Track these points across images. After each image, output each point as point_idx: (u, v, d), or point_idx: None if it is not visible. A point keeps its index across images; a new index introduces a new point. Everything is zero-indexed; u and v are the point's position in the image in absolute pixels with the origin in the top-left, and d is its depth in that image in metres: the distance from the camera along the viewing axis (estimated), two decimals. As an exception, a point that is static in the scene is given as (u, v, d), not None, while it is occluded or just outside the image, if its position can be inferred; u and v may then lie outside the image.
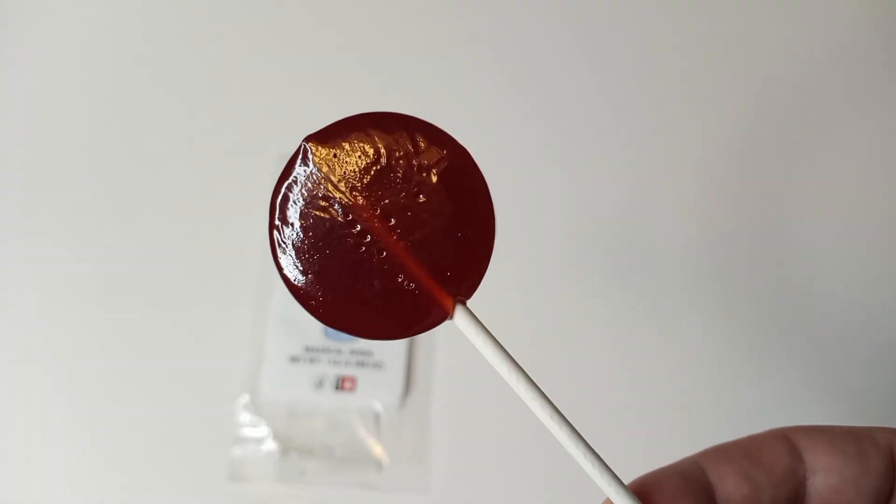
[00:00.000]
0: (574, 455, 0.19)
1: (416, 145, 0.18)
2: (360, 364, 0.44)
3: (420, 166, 0.18)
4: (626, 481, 0.20)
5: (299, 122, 0.49)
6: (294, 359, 0.44)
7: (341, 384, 0.44)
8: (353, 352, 0.44)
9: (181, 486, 0.42)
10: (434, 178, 0.18)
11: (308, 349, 0.44)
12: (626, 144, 0.50)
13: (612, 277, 0.47)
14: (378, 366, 0.44)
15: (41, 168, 0.49)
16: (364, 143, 0.18)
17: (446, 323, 0.19)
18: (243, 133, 0.50)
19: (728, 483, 0.20)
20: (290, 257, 0.18)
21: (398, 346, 0.45)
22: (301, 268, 0.18)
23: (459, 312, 0.18)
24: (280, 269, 0.18)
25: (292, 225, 0.18)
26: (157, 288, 0.46)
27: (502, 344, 0.19)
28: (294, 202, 0.18)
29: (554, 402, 0.20)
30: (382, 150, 0.18)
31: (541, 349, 0.45)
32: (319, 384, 0.44)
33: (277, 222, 0.18)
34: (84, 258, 0.47)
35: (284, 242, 0.18)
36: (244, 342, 0.45)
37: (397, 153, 0.18)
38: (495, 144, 0.49)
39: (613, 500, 0.19)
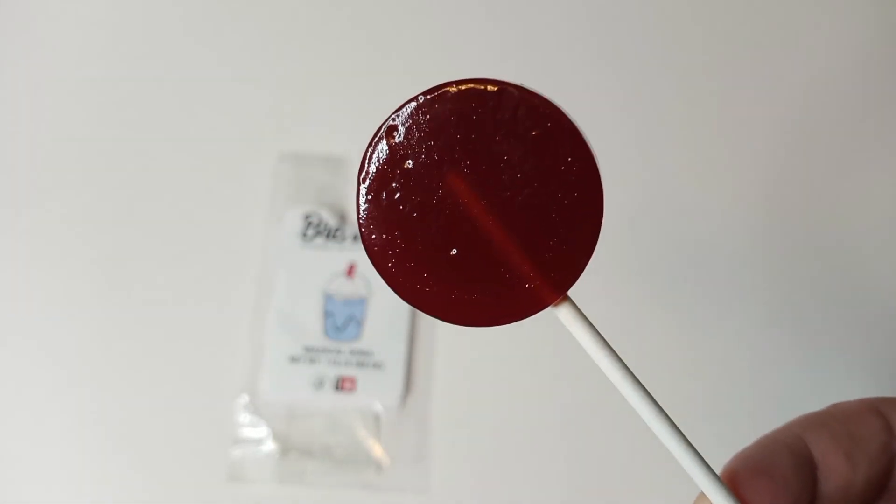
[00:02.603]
0: (673, 451, 0.19)
1: (525, 116, 0.17)
2: (360, 364, 0.45)
3: (526, 139, 0.17)
4: (714, 471, 0.20)
5: (300, 123, 0.51)
6: (294, 359, 0.45)
7: (341, 384, 0.45)
8: (352, 352, 0.46)
9: (181, 486, 0.44)
10: (538, 149, 0.17)
11: (308, 349, 0.46)
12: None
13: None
14: (378, 366, 0.45)
15: (40, 168, 0.50)
16: (467, 110, 0.17)
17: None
18: (244, 133, 0.51)
19: (829, 460, 0.20)
20: (378, 223, 0.17)
21: (398, 346, 0.46)
22: (388, 234, 0.17)
23: (562, 304, 0.18)
24: (367, 230, 0.18)
25: (388, 190, 0.17)
26: (156, 288, 0.47)
27: (604, 338, 0.19)
28: (390, 172, 0.17)
29: (654, 397, 0.19)
30: (488, 119, 0.17)
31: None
32: (319, 384, 0.45)
33: (368, 186, 0.17)
34: (83, 258, 0.48)
35: (377, 206, 0.17)
36: (244, 342, 0.46)
37: (505, 125, 0.17)
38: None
39: (709, 496, 0.19)
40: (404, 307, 0.46)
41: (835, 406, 0.22)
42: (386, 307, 0.46)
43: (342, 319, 0.46)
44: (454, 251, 0.17)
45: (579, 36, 0.53)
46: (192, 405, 0.45)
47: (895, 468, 0.21)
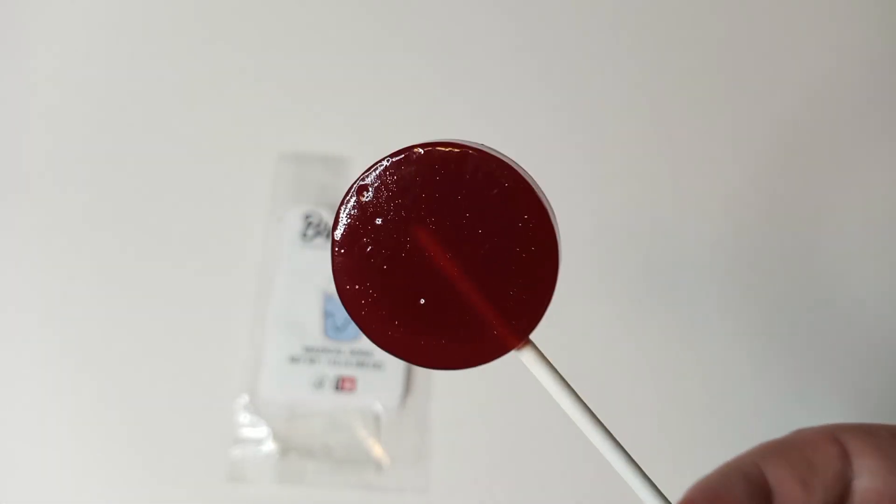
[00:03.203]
0: (632, 484, 0.21)
1: (484, 177, 0.19)
2: (360, 364, 0.47)
3: (487, 197, 0.19)
4: (668, 490, 0.22)
5: (300, 122, 0.53)
6: (294, 359, 0.47)
7: (341, 384, 0.47)
8: (352, 352, 0.48)
9: (180, 486, 0.46)
10: (498, 207, 0.19)
11: (308, 349, 0.48)
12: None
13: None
14: (378, 366, 0.47)
15: (40, 168, 0.53)
16: (432, 171, 0.19)
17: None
18: (244, 133, 0.53)
19: (785, 487, 0.22)
20: (351, 274, 0.20)
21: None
22: (358, 287, 0.20)
23: (525, 348, 0.21)
24: (341, 281, 0.20)
25: (360, 244, 0.20)
26: (156, 288, 0.50)
27: (565, 379, 0.21)
28: (362, 228, 0.20)
29: (614, 435, 0.21)
30: (451, 179, 0.19)
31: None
32: (319, 384, 0.47)
33: (341, 240, 0.20)
34: (83, 258, 0.50)
35: (350, 258, 0.20)
36: (244, 342, 0.48)
37: (466, 185, 0.19)
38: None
39: None
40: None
41: (795, 433, 0.24)
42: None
43: (342, 319, 0.48)
44: (422, 300, 0.19)
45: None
46: (192, 405, 0.48)
47: (850, 494, 0.22)
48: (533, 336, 0.21)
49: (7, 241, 0.51)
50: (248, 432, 0.46)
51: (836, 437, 0.23)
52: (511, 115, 0.53)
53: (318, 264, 0.49)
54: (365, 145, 0.51)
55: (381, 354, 0.48)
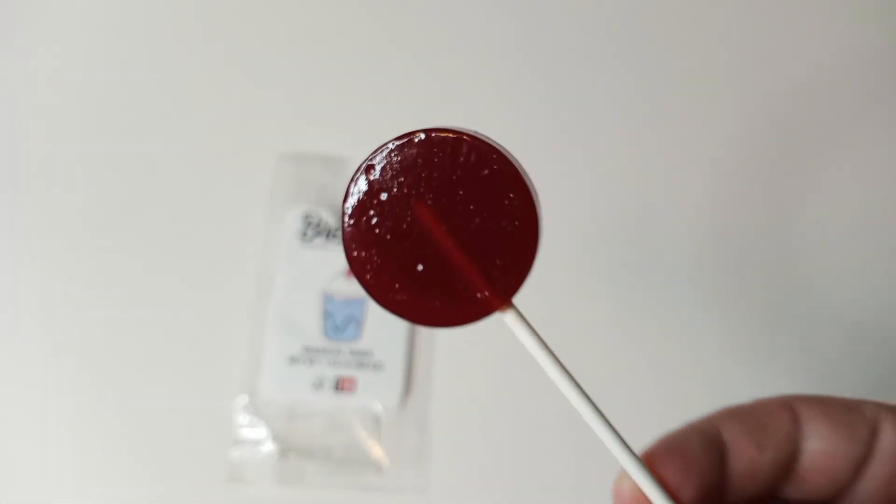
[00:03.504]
0: (600, 435, 0.24)
1: (476, 160, 0.23)
2: (360, 365, 0.49)
3: (478, 177, 0.23)
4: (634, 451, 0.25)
5: (299, 123, 0.54)
6: (293, 359, 0.49)
7: (341, 385, 0.48)
8: (352, 352, 0.49)
9: (180, 487, 0.47)
10: (487, 186, 0.23)
11: (307, 350, 0.49)
12: (638, 148, 0.55)
13: (622, 277, 0.52)
14: (377, 366, 0.49)
15: (39, 168, 0.54)
16: (431, 153, 0.23)
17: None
18: (244, 133, 0.55)
19: (739, 444, 0.26)
20: (358, 243, 0.23)
21: (398, 346, 0.49)
22: (363, 251, 0.23)
23: (508, 310, 0.24)
24: (350, 249, 0.23)
25: (367, 217, 0.23)
26: (155, 289, 0.51)
27: (543, 339, 0.24)
28: (368, 202, 0.23)
29: (585, 391, 0.25)
30: (447, 161, 0.23)
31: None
32: (319, 385, 0.48)
33: (350, 213, 0.23)
34: (82, 258, 0.52)
35: (357, 230, 0.23)
36: (243, 343, 0.49)
37: (460, 166, 0.23)
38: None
39: (630, 472, 0.25)
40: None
41: (753, 401, 0.27)
42: (386, 307, 0.49)
43: (342, 319, 0.49)
44: (420, 267, 0.23)
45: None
46: (192, 406, 0.49)
47: (799, 456, 0.26)
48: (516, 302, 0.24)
49: (7, 242, 0.52)
50: (247, 433, 0.48)
51: (789, 404, 0.26)
52: (510, 115, 0.55)
53: (318, 264, 0.50)
54: (364, 145, 0.52)
55: (380, 355, 0.49)
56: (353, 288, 0.50)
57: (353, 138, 0.54)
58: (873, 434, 0.26)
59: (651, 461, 0.25)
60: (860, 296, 0.51)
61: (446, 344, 0.49)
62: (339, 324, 0.49)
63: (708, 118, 0.56)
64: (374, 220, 0.23)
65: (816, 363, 0.50)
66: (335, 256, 0.50)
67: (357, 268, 0.23)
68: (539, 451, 0.48)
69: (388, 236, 0.23)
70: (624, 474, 0.25)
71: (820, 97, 0.56)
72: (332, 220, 0.51)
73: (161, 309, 0.51)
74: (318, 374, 0.48)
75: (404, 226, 0.23)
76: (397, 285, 0.23)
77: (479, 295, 0.23)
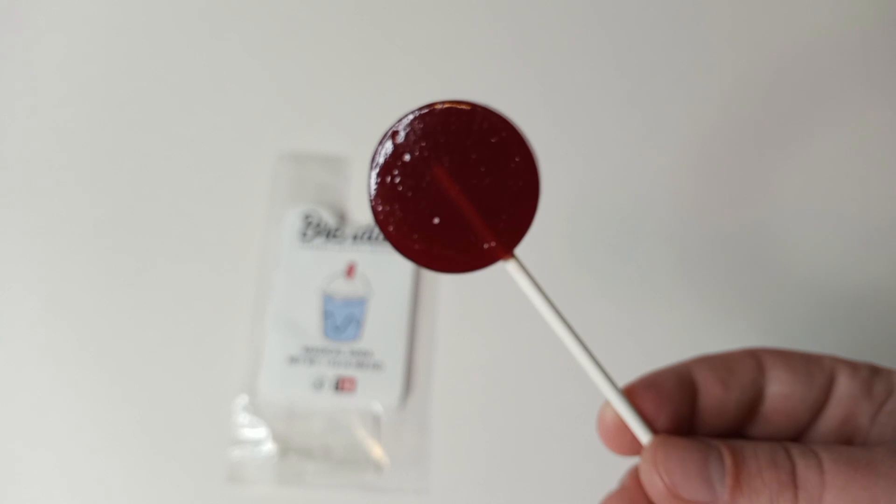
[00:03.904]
0: (586, 369, 0.29)
1: (488, 128, 0.27)
2: (360, 365, 0.50)
3: (488, 143, 0.27)
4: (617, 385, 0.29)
5: (299, 123, 0.56)
6: (293, 360, 0.50)
7: (340, 385, 0.50)
8: (352, 352, 0.50)
9: (180, 487, 0.49)
10: (496, 151, 0.27)
11: (307, 350, 0.50)
12: (618, 134, 0.58)
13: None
14: (377, 367, 0.50)
15: (40, 168, 0.56)
16: (448, 122, 0.27)
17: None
18: (243, 133, 0.57)
19: (708, 385, 0.30)
20: (383, 199, 0.27)
21: (398, 346, 0.51)
22: (389, 207, 0.27)
23: (510, 259, 0.28)
24: (375, 204, 0.27)
25: (392, 176, 0.27)
26: (155, 289, 0.53)
27: (542, 288, 0.28)
28: (393, 163, 0.27)
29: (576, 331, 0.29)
30: (462, 129, 0.27)
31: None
32: (318, 385, 0.49)
33: (377, 172, 0.27)
34: (82, 259, 0.54)
35: (383, 187, 0.27)
36: (243, 343, 0.51)
37: (473, 133, 0.27)
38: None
39: (612, 403, 0.29)
40: (404, 307, 0.51)
41: (722, 351, 0.31)
42: (385, 307, 0.52)
43: (341, 320, 0.50)
44: (436, 220, 0.27)
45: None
46: (192, 406, 0.51)
47: (763, 398, 0.30)
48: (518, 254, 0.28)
49: (7, 241, 0.54)
50: (247, 433, 0.49)
51: (755, 353, 0.31)
52: (507, 111, 0.56)
53: (318, 264, 0.52)
54: (363, 145, 0.54)
55: (380, 355, 0.51)
56: (353, 288, 0.51)
57: (352, 138, 0.56)
58: (830, 381, 0.30)
59: (630, 394, 0.30)
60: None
61: (446, 344, 0.51)
62: (339, 324, 0.51)
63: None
64: (398, 179, 0.27)
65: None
66: (335, 256, 0.52)
67: (382, 221, 0.27)
68: (538, 451, 0.49)
69: (410, 193, 0.27)
70: (607, 404, 0.30)
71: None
72: (331, 220, 0.52)
73: (161, 309, 0.52)
74: (318, 374, 0.50)
75: (423, 184, 0.27)
76: (416, 236, 0.27)
77: (486, 245, 0.27)
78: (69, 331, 0.52)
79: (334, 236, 0.53)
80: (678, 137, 0.57)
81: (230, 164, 0.56)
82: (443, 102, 0.27)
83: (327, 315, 0.51)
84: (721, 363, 0.30)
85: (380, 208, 0.27)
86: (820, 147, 0.57)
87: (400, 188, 0.27)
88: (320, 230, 0.53)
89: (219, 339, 0.51)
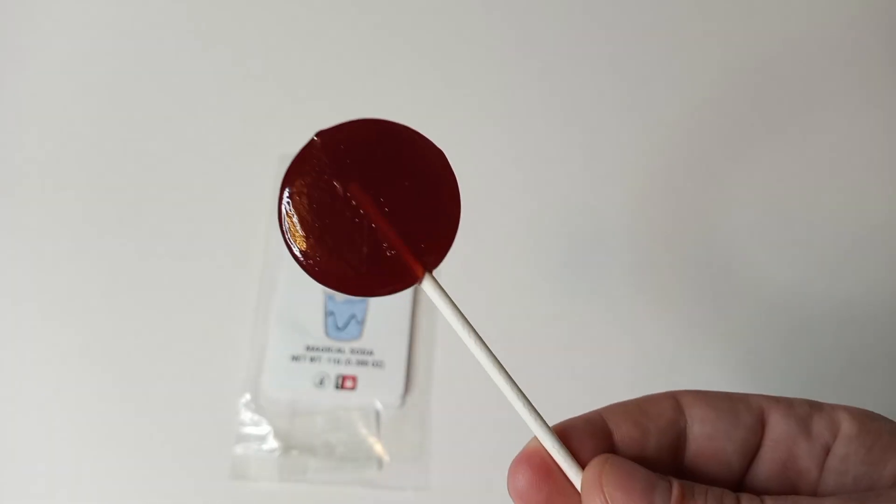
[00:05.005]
0: (511, 400, 0.29)
1: (402, 145, 0.27)
2: (361, 363, 0.51)
3: (404, 161, 0.27)
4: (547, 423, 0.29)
5: (300, 124, 0.57)
6: (295, 358, 0.51)
7: (342, 383, 0.51)
8: (353, 351, 0.51)
9: (183, 484, 0.50)
10: (415, 171, 0.27)
11: (309, 348, 0.51)
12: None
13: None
14: (378, 365, 0.51)
15: (42, 168, 0.58)
16: (362, 139, 0.27)
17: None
18: (245, 134, 0.58)
19: (622, 429, 0.28)
20: (295, 224, 0.27)
21: (399, 345, 0.51)
22: (303, 233, 0.27)
23: (427, 279, 0.28)
24: (284, 233, 0.28)
25: (299, 198, 0.27)
26: (159, 288, 0.54)
27: (458, 305, 0.28)
28: (302, 183, 0.27)
29: (497, 358, 0.29)
30: (376, 147, 0.27)
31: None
32: (320, 383, 0.50)
33: (286, 196, 0.27)
34: (86, 258, 0.55)
35: (291, 212, 0.27)
36: (246, 341, 0.52)
37: (387, 151, 0.27)
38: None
39: (539, 437, 0.29)
40: (405, 307, 0.52)
41: (640, 396, 0.30)
42: (387, 306, 0.53)
43: (343, 319, 0.51)
44: (364, 249, 0.27)
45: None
46: (195, 403, 0.51)
47: (686, 440, 0.28)
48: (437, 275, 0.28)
49: (9, 241, 0.55)
50: (250, 430, 0.50)
51: (672, 395, 0.29)
52: (509, 113, 0.58)
53: (319, 264, 0.52)
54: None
55: (381, 353, 0.51)
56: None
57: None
58: (760, 422, 0.28)
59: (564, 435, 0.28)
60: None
61: (446, 343, 0.52)
62: (340, 323, 0.52)
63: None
64: (311, 198, 0.27)
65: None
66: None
67: (300, 259, 0.27)
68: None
69: (327, 220, 0.27)
70: (535, 439, 0.29)
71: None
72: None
73: (165, 308, 0.54)
74: (320, 372, 0.51)
75: (338, 204, 0.27)
76: (337, 262, 0.27)
77: (408, 267, 0.27)
78: (74, 329, 0.53)
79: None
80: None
81: (233, 165, 0.57)
82: (364, 119, 0.27)
83: (329, 314, 0.52)
84: (634, 406, 0.29)
85: (287, 226, 0.27)
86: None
87: (314, 206, 0.27)
88: (321, 230, 0.53)
89: (222, 338, 0.52)
